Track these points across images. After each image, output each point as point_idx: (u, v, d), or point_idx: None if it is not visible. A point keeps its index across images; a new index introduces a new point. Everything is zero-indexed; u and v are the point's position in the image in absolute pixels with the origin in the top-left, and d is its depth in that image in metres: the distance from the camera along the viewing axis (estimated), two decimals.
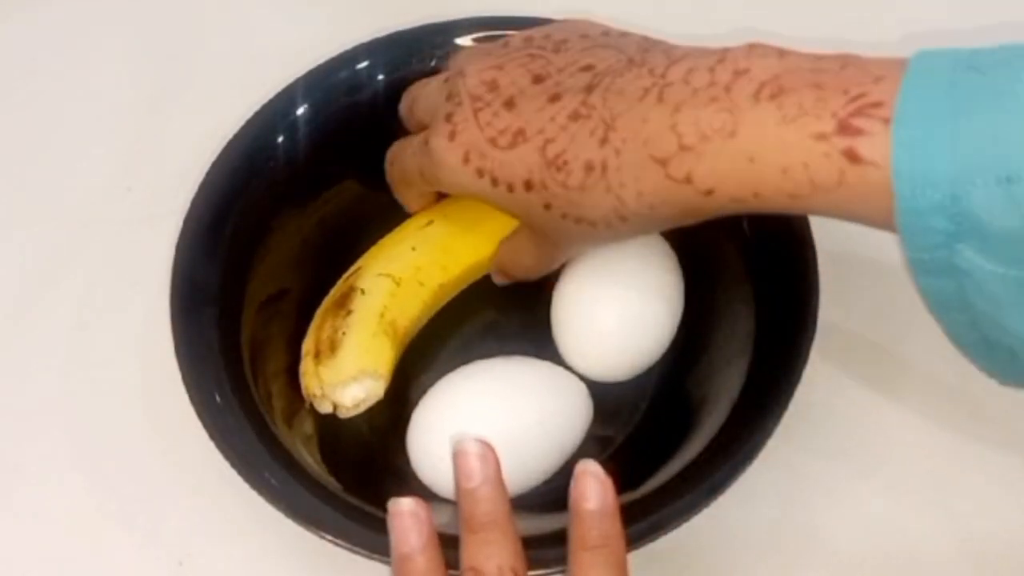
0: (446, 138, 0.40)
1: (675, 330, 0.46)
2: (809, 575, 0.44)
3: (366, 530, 0.39)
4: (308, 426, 0.45)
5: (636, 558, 0.38)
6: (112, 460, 0.47)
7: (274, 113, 0.48)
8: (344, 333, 0.44)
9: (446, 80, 0.43)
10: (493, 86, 0.40)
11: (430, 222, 0.48)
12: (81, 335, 0.50)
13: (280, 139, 0.48)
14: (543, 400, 0.43)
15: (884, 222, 0.32)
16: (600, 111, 0.36)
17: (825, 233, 0.44)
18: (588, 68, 0.38)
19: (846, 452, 0.46)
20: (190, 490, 0.46)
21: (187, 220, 0.46)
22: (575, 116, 0.37)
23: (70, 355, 0.50)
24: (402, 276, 0.46)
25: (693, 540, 0.43)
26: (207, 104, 0.55)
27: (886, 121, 0.31)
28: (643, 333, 0.45)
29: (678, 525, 0.39)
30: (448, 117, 0.41)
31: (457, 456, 0.39)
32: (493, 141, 0.39)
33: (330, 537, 0.39)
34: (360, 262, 0.47)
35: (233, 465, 0.40)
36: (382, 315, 0.45)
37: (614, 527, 0.37)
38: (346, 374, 0.44)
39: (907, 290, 0.49)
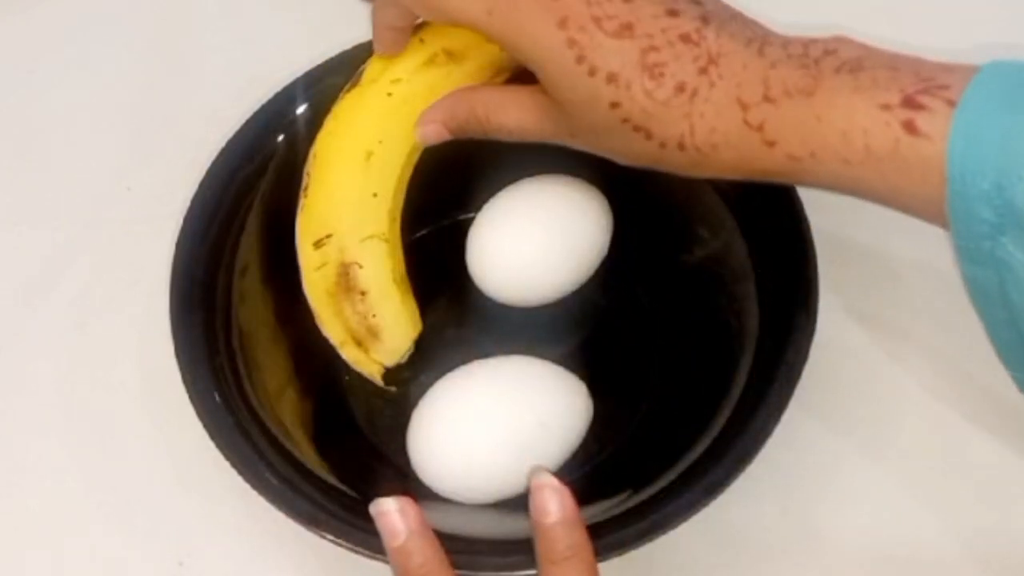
0: None
1: (582, 270, 0.48)
2: (810, 575, 0.44)
3: (366, 530, 0.39)
4: (308, 426, 0.45)
5: (636, 558, 0.38)
6: (112, 460, 0.47)
7: (274, 113, 0.48)
8: (375, 316, 0.44)
9: None
10: None
11: (389, 95, 0.44)
12: (81, 335, 0.50)
13: (280, 139, 0.48)
14: (543, 400, 0.43)
15: (928, 208, 0.34)
16: (709, 44, 0.38)
17: (828, 247, 0.45)
18: (699, 4, 0.39)
19: (847, 452, 0.46)
20: (190, 490, 0.46)
21: (187, 220, 0.46)
22: (686, 39, 0.38)
23: (70, 355, 0.50)
24: (385, 230, 0.45)
25: (693, 540, 0.43)
26: (207, 104, 0.55)
27: (950, 103, 0.33)
28: (541, 263, 0.47)
29: (678, 525, 0.39)
30: None
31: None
32: (598, 21, 0.38)
33: (330, 537, 0.39)
34: (321, 213, 0.44)
35: (233, 465, 0.40)
36: (394, 280, 0.45)
37: (579, 536, 0.37)
38: (403, 349, 0.46)
39: (907, 292, 0.49)
